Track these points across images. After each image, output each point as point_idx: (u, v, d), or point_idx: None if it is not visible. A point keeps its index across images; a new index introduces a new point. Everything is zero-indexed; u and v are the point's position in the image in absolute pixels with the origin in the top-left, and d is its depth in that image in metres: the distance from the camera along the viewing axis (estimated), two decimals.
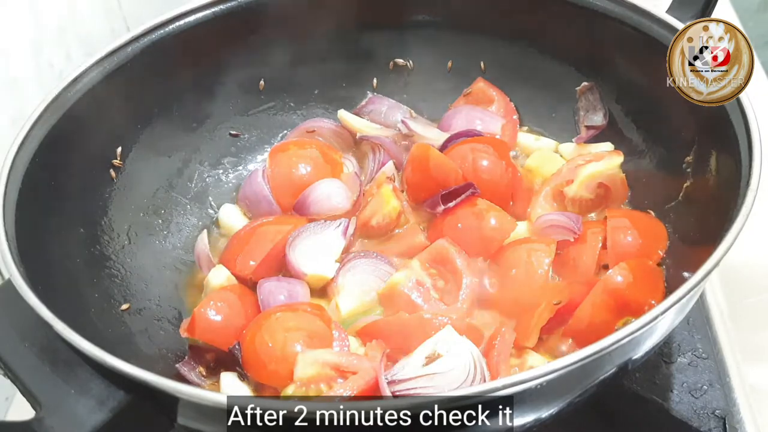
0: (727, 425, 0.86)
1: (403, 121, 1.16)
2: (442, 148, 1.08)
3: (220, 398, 0.63)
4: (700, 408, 0.88)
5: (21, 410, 1.00)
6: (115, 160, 1.03)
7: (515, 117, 1.17)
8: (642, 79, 1.01)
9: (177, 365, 0.88)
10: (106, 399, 0.65)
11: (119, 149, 1.03)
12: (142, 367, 0.64)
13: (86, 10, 1.32)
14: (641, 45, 0.96)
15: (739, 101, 0.81)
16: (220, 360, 0.90)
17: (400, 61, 1.23)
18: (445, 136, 1.11)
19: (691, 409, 0.88)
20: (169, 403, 0.66)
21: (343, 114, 1.20)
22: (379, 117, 1.21)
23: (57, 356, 0.68)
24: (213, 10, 1.09)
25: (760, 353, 0.97)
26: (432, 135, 1.13)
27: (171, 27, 1.06)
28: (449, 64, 1.22)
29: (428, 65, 1.23)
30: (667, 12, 0.95)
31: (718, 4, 0.95)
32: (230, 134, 1.19)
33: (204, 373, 0.89)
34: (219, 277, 0.98)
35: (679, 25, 0.90)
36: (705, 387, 0.90)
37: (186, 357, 0.91)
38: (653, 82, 0.95)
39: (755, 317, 1.01)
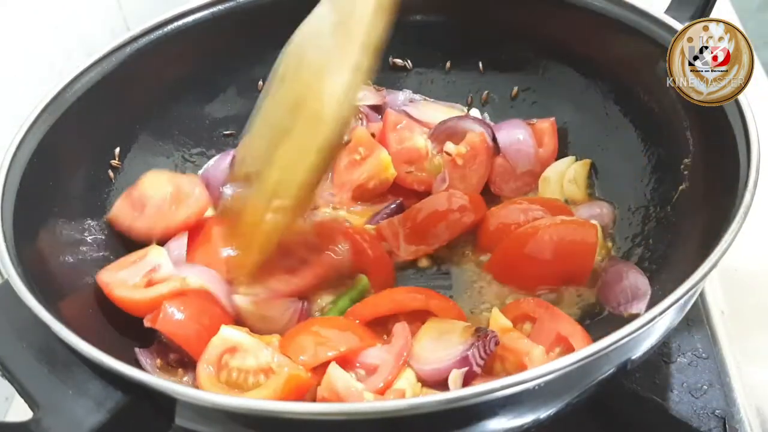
0: (727, 425, 0.85)
1: (404, 111, 1.18)
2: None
3: (218, 399, 0.64)
4: (700, 408, 0.87)
5: (21, 410, 1.00)
6: (113, 161, 1.03)
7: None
8: (641, 80, 1.00)
9: (136, 348, 0.85)
10: (104, 400, 0.65)
11: (117, 149, 1.04)
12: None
13: (86, 10, 1.31)
14: (640, 45, 0.96)
15: (737, 101, 0.81)
16: (182, 363, 0.88)
17: (398, 61, 1.23)
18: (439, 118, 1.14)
19: (691, 409, 0.87)
20: (167, 403, 0.66)
21: None
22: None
23: (55, 357, 0.68)
24: (212, 10, 1.09)
25: (760, 353, 0.97)
26: (426, 118, 1.16)
27: (170, 27, 1.06)
28: (448, 64, 1.23)
29: (426, 65, 1.23)
30: (665, 12, 0.95)
31: (718, 4, 0.95)
32: (224, 134, 1.19)
33: (158, 366, 0.86)
34: None
35: (678, 26, 0.90)
36: (705, 387, 0.89)
37: (152, 345, 0.88)
38: (652, 83, 0.95)
39: (755, 317, 1.01)
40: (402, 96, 1.22)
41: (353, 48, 0.82)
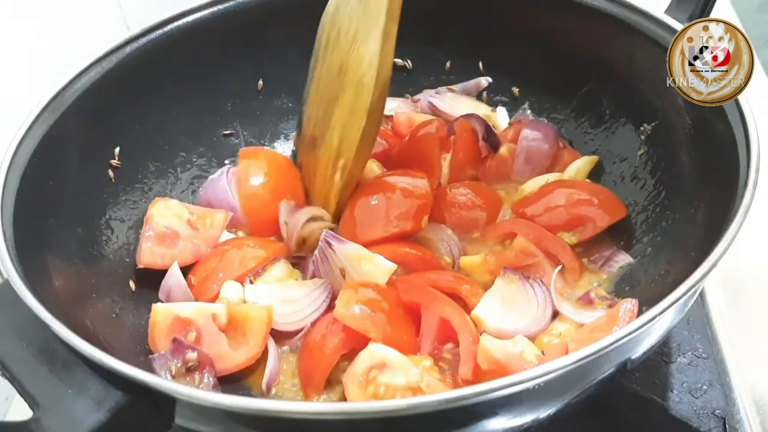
0: (727, 425, 0.85)
1: (429, 102, 1.21)
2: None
3: (218, 398, 0.63)
4: (700, 408, 0.87)
5: (21, 410, 1.00)
6: (113, 161, 1.03)
7: None
8: (640, 80, 1.00)
9: (150, 356, 0.85)
10: (103, 399, 0.65)
11: (117, 149, 1.03)
12: (140, 367, 0.64)
13: (86, 10, 1.32)
14: (640, 45, 0.96)
15: (737, 101, 0.81)
16: (200, 363, 0.87)
17: (398, 61, 1.23)
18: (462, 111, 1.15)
19: (691, 409, 0.87)
20: (167, 403, 0.66)
21: None
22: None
23: (55, 356, 0.68)
24: (212, 10, 1.09)
25: (760, 353, 0.97)
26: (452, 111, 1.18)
27: (170, 27, 1.06)
28: (448, 64, 1.23)
29: (427, 65, 1.23)
30: (665, 12, 0.95)
31: (718, 4, 0.95)
32: (224, 134, 1.19)
33: (173, 373, 0.85)
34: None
35: (678, 26, 0.90)
36: (705, 387, 0.89)
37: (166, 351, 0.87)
38: (652, 83, 0.95)
39: (755, 317, 1.01)
40: (428, 93, 1.23)
41: (380, 15, 0.88)
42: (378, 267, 0.94)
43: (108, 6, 1.38)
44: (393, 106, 1.22)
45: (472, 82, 1.23)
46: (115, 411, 0.65)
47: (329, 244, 0.94)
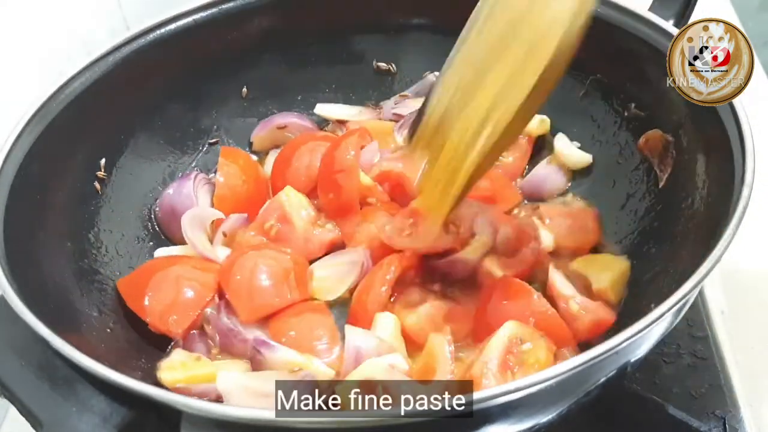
0: (727, 425, 0.86)
1: (393, 113, 1.18)
2: None
3: (223, 410, 0.64)
4: (700, 408, 0.88)
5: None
6: (99, 172, 1.02)
7: None
8: (637, 81, 1.00)
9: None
10: (109, 416, 0.64)
11: (103, 161, 1.02)
12: (143, 381, 0.63)
13: (86, 10, 1.31)
14: (638, 46, 0.95)
15: None
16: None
17: (382, 65, 1.23)
18: None
19: (691, 409, 0.88)
20: (172, 416, 0.65)
21: (320, 107, 1.21)
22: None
23: (55, 374, 0.67)
24: (194, 17, 1.07)
25: (760, 353, 0.97)
26: None
27: (166, 29, 1.05)
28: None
29: (411, 69, 1.22)
30: (649, 10, 0.95)
31: (719, 4, 0.94)
32: (209, 143, 1.18)
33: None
34: None
35: (666, 25, 0.90)
36: (705, 387, 0.90)
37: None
38: (648, 84, 0.94)
39: (755, 317, 1.01)
40: (392, 101, 1.21)
41: None
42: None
43: (108, 6, 1.37)
44: (353, 113, 1.20)
45: (423, 82, 1.20)
46: (122, 427, 0.64)
47: (258, 351, 0.87)
